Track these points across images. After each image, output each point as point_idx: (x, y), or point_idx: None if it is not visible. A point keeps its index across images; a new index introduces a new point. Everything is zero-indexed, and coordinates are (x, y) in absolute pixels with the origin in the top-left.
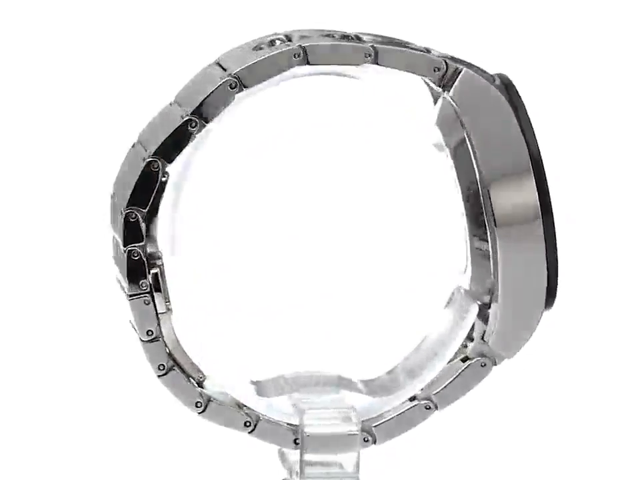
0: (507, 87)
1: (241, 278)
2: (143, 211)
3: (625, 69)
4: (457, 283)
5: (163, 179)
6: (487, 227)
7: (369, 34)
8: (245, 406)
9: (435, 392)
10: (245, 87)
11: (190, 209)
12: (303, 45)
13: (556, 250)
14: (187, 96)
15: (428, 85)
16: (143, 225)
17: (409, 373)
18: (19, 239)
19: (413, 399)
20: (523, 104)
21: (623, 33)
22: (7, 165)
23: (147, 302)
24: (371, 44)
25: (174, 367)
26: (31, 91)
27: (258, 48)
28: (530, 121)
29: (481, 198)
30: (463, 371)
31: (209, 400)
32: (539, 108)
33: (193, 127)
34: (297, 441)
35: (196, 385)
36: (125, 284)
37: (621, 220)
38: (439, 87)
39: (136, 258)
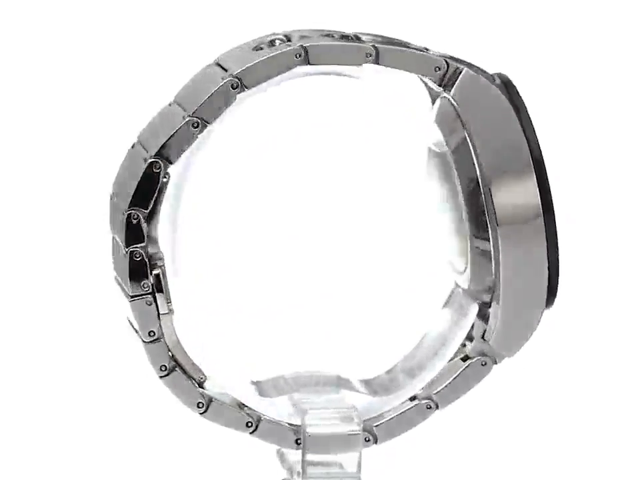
0: (507, 86)
1: (241, 278)
2: (145, 211)
3: (624, 70)
4: (455, 282)
5: (164, 180)
6: (489, 226)
7: (367, 34)
8: (246, 406)
9: (435, 391)
10: (246, 87)
11: (191, 210)
12: (304, 45)
13: (557, 248)
14: (187, 96)
15: (426, 84)
16: (145, 226)
17: (409, 373)
18: (18, 238)
19: (413, 398)
20: (523, 103)
21: (622, 32)
22: (7, 165)
23: (148, 303)
24: (372, 44)
25: (175, 367)
26: (31, 91)
27: (258, 48)
28: (530, 120)
29: (482, 197)
30: (463, 370)
31: (211, 400)
32: (538, 108)
33: (195, 128)
34: (299, 441)
35: (197, 386)
36: (127, 285)
37: (621, 220)
38: (440, 86)
39: (138, 259)
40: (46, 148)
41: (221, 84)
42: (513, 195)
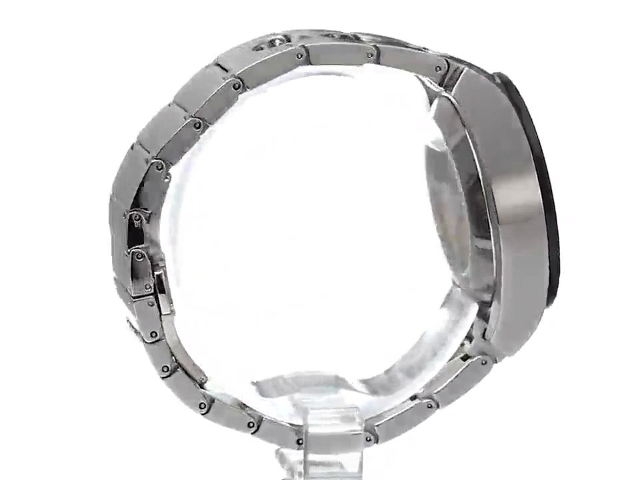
0: (507, 86)
1: (241, 279)
2: (147, 212)
3: (624, 70)
4: (455, 282)
5: (166, 181)
6: (490, 225)
7: (366, 34)
8: (248, 407)
9: (436, 391)
10: (247, 88)
11: (192, 210)
12: (305, 46)
13: (558, 247)
14: (188, 97)
15: (423, 84)
16: (147, 227)
17: (408, 372)
18: (17, 238)
19: (414, 398)
20: (524, 102)
21: (622, 32)
22: (6, 165)
23: (150, 303)
24: (373, 44)
25: (177, 368)
26: (30, 90)
27: (258, 48)
28: (531, 119)
29: (483, 196)
30: (463, 369)
31: (212, 401)
32: (537, 108)
33: (197, 128)
34: (300, 441)
35: (198, 387)
36: (129, 285)
37: (621, 220)
38: (441, 86)
39: (140, 259)
40: (45, 148)
41: (223, 84)
42: (514, 194)
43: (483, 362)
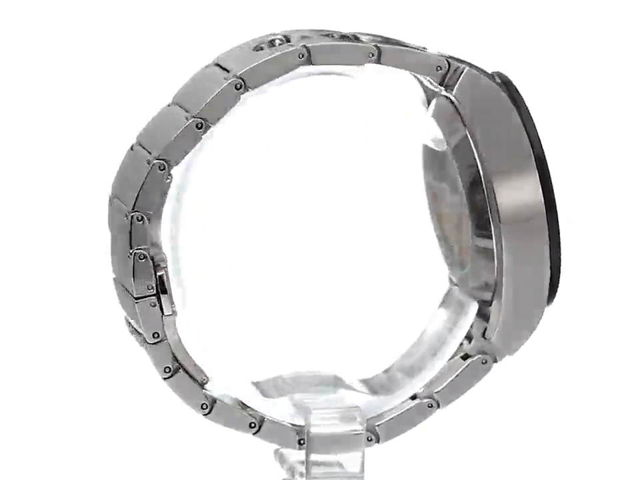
0: (507, 85)
1: (241, 279)
2: (149, 213)
3: (624, 71)
4: (454, 281)
5: (167, 181)
6: (491, 224)
7: (366, 34)
8: (249, 407)
9: (436, 390)
10: (249, 88)
11: (193, 211)
12: (307, 46)
13: (559, 247)
14: (189, 97)
15: (421, 83)
16: (148, 228)
17: (407, 372)
18: (17, 239)
19: (414, 397)
20: (524, 101)
21: (622, 31)
22: (6, 165)
23: (152, 304)
24: (373, 44)
25: (179, 369)
26: (30, 91)
27: (258, 48)
28: (532, 118)
29: (485, 195)
30: (464, 368)
31: (214, 401)
32: (537, 108)
33: (199, 129)
34: (301, 441)
35: (200, 387)
36: (131, 286)
37: (621, 220)
38: (441, 85)
39: (142, 260)
40: (45, 148)
41: (225, 84)
42: (515, 193)
43: (483, 361)
